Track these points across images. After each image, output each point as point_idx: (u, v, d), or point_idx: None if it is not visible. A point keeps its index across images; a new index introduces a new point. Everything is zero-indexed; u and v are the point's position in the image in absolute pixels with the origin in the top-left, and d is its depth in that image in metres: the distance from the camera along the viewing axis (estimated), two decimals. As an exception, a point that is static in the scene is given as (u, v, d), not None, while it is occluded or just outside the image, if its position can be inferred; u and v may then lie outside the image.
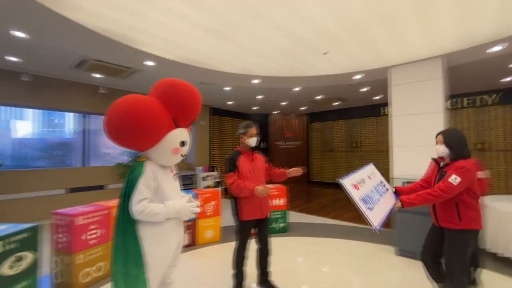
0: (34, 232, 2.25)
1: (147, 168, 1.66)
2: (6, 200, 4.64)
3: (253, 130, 2.49)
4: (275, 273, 2.75)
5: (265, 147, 10.48)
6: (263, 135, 10.42)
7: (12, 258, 2.04)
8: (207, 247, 3.85)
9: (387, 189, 2.26)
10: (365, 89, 6.29)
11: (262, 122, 10.38)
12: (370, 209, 1.89)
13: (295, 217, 5.33)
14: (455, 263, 1.92)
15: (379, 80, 5.09)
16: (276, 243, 3.86)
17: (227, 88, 5.99)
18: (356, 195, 1.91)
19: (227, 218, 4.11)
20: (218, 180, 7.85)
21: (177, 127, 1.74)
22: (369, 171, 2.30)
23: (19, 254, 2.10)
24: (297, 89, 6.04)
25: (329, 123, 10.17)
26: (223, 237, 4.11)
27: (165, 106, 1.68)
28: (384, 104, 8.08)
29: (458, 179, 1.83)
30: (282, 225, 4.51)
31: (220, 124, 8.97)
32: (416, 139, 3.96)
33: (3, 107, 5.44)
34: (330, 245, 3.90)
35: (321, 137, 10.51)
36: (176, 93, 1.73)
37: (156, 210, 1.63)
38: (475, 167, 1.93)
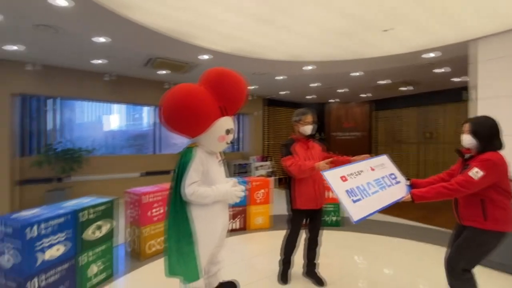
0: (111, 205, 2.67)
1: (196, 154, 1.78)
2: (97, 180, 5.66)
3: (309, 117, 2.39)
4: (323, 266, 2.65)
5: (322, 138, 10.05)
6: (319, 125, 9.99)
7: (93, 226, 2.47)
8: (257, 233, 3.96)
9: (397, 182, 2.07)
10: (441, 70, 5.36)
11: (318, 111, 9.94)
12: (355, 201, 1.82)
13: None
14: (463, 260, 1.73)
15: (459, 58, 4.26)
16: (327, 236, 3.67)
17: (280, 78, 5.91)
18: (340, 187, 1.85)
19: (278, 207, 4.16)
20: (271, 169, 7.93)
21: (223, 115, 1.82)
22: (376, 162, 2.14)
23: (99, 222, 2.53)
24: (356, 73, 5.55)
25: (397, 111, 9.07)
26: (273, 225, 4.15)
27: (213, 95, 1.76)
28: (466, 87, 6.77)
29: (481, 173, 1.61)
30: (335, 218, 4.30)
31: (274, 115, 8.96)
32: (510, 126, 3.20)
33: (96, 104, 6.56)
34: (387, 244, 3.55)
35: (387, 127, 9.47)
36: (223, 82, 1.80)
37: (205, 193, 1.74)
38: (506, 161, 1.69)
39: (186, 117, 1.70)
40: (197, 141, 1.85)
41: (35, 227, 1.97)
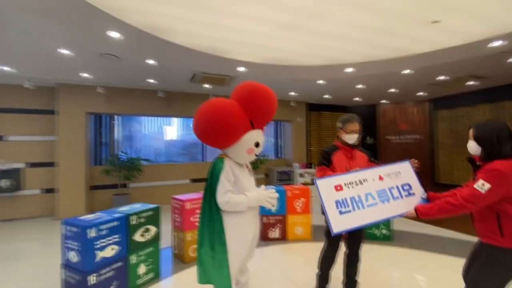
0: (156, 211, 2.95)
1: (226, 164, 1.85)
2: (153, 186, 6.30)
3: (353, 125, 2.20)
4: (366, 283, 2.46)
5: (372, 143, 9.36)
6: (370, 128, 9.34)
7: (142, 229, 2.76)
8: (296, 244, 3.87)
9: (410, 194, 1.86)
10: (516, 59, 4.53)
11: (368, 114, 9.30)
12: (342, 212, 1.75)
13: (402, 224, 4.52)
14: (484, 284, 1.51)
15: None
16: (374, 251, 3.42)
17: (321, 82, 5.74)
18: (330, 197, 1.79)
19: (321, 217, 3.98)
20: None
21: (253, 128, 1.86)
22: (391, 170, 1.94)
23: (147, 226, 2.82)
24: (406, 71, 5.07)
25: (463, 110, 7.91)
26: (315, 236, 4.01)
27: (243, 109, 1.81)
28: (560, 75, 5.52)
29: (487, 186, 1.43)
30: (384, 232, 3.94)
31: (318, 120, 8.71)
32: None
33: (155, 118, 7.35)
34: (442, 263, 3.10)
35: (451, 128, 8.32)
36: (253, 96, 1.83)
37: (239, 200, 1.79)
38: None
39: (214, 130, 1.77)
40: (226, 152, 1.92)
41: (94, 229, 2.30)
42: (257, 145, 1.88)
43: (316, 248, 3.41)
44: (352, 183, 1.86)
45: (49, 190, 5.47)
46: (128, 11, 2.84)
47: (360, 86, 6.26)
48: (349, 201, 1.80)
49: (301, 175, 7.59)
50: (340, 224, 1.74)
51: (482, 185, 1.44)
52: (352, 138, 2.19)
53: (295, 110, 7.82)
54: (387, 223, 3.91)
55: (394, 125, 9.37)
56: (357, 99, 7.98)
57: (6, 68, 4.37)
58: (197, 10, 2.95)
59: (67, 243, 2.35)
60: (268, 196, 1.86)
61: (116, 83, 5.51)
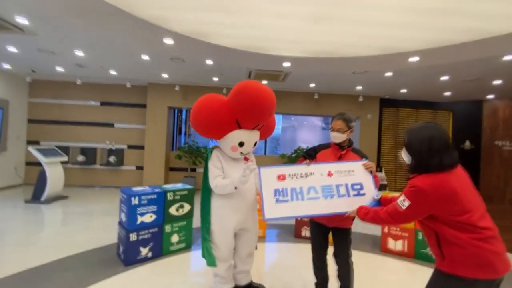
0: (191, 191, 3.43)
1: (214, 154, 2.07)
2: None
3: (334, 123, 2.02)
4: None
5: (470, 148, 7.52)
6: (471, 130, 7.53)
7: (177, 205, 3.28)
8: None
9: (359, 194, 1.79)
10: None
11: (469, 112, 7.54)
12: (279, 201, 1.80)
13: None
14: None
15: None
16: (419, 273, 2.93)
17: (388, 74, 5.07)
18: (270, 185, 1.83)
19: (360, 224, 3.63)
20: (385, 182, 6.81)
21: (240, 128, 1.92)
22: (344, 167, 1.86)
23: (181, 203, 3.32)
24: (509, 57, 3.89)
25: None
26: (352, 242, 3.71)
27: (231, 107, 1.87)
28: None
29: (407, 203, 1.26)
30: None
31: (393, 118, 7.63)
32: None
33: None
34: None
35: None
36: (241, 96, 1.84)
37: (226, 182, 1.95)
38: (448, 184, 1.20)
39: (198, 123, 1.97)
40: (219, 143, 2.09)
41: (137, 198, 2.92)
42: (241, 144, 1.93)
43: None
44: (297, 175, 1.85)
45: (139, 168, 6.96)
46: (178, 20, 3.36)
47: (444, 77, 5.17)
48: (288, 191, 1.82)
49: (366, 178, 6.89)
50: (273, 211, 1.78)
51: (403, 201, 1.28)
52: (333, 136, 2.00)
53: (364, 105, 7.12)
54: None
55: (507, 127, 7.24)
56: (448, 93, 6.57)
57: (113, 72, 5.82)
58: (235, 14, 3.20)
59: (121, 206, 3.07)
60: (241, 175, 1.85)
61: (188, 81, 6.43)
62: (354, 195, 1.80)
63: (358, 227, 4.43)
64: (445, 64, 4.19)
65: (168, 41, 3.67)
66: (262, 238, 3.94)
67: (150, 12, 3.12)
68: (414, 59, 3.91)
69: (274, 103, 1.93)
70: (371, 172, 1.87)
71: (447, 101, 7.50)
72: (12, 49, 4.50)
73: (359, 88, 6.38)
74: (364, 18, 3.10)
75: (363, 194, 1.80)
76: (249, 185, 2.07)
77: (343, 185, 1.82)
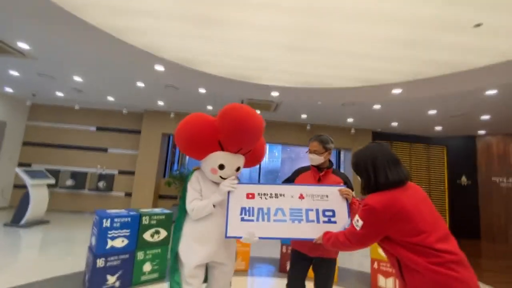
0: (168, 216, 3.29)
1: (193, 176, 1.94)
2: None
3: (311, 145, 2.00)
4: None
5: (467, 184, 7.37)
6: (466, 166, 7.45)
7: (152, 230, 3.13)
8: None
9: (330, 221, 1.68)
10: None
11: (463, 148, 7.52)
12: (244, 220, 1.71)
13: None
14: None
15: None
16: None
17: (377, 107, 5.18)
18: (237, 203, 1.76)
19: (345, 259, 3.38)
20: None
21: (222, 150, 1.84)
22: (318, 191, 1.77)
23: (157, 228, 3.17)
24: (492, 92, 3.99)
25: None
26: (342, 279, 3.45)
27: (216, 128, 1.82)
28: None
29: (360, 223, 1.21)
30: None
31: (389, 151, 7.62)
32: None
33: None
34: None
35: None
36: (226, 117, 1.79)
37: (204, 203, 1.81)
38: (398, 200, 1.15)
39: (181, 139, 1.90)
40: (201, 165, 1.97)
41: (108, 220, 2.80)
42: (221, 167, 1.83)
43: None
44: (267, 194, 1.77)
45: (128, 194, 6.82)
46: (168, 47, 3.55)
47: (432, 111, 5.26)
48: (255, 210, 1.73)
49: (360, 212, 6.64)
50: (236, 230, 1.69)
51: (357, 221, 1.24)
52: (310, 158, 1.97)
53: (357, 138, 7.16)
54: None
55: (504, 163, 7.16)
56: (439, 128, 6.63)
57: (111, 98, 6.00)
58: (222, 43, 3.39)
59: (93, 229, 2.94)
60: (223, 185, 1.79)
61: (183, 109, 6.59)
62: (324, 222, 1.69)
63: (346, 262, 4.17)
64: (428, 97, 4.29)
65: (159, 67, 3.84)
66: (244, 272, 3.70)
67: (140, 39, 3.31)
68: (397, 91, 4.02)
69: (260, 128, 1.86)
70: (347, 199, 1.77)
71: (441, 136, 7.55)
72: (13, 72, 4.72)
73: (350, 120, 6.48)
74: (347, 50, 3.26)
75: (334, 222, 1.68)
76: (223, 214, 1.92)
77: (314, 210, 1.72)
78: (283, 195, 1.77)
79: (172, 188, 6.58)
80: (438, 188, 7.65)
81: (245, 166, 2.03)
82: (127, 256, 2.90)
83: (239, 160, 1.90)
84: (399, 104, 4.86)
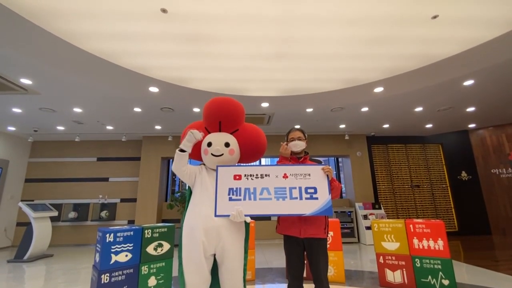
0: (171, 229, 3.33)
1: (199, 166, 2.12)
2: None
3: (293, 133, 2.26)
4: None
5: (467, 179, 7.39)
6: (464, 161, 7.52)
7: (155, 243, 3.15)
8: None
9: (312, 197, 1.84)
10: None
11: (458, 143, 7.64)
12: (232, 199, 1.83)
13: (472, 274, 3.25)
14: None
15: None
16: None
17: (365, 109, 5.38)
18: (225, 184, 1.86)
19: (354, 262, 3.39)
20: (384, 218, 6.48)
21: (209, 132, 2.12)
22: (300, 170, 1.91)
23: (160, 241, 3.20)
24: (468, 83, 4.21)
25: None
26: (350, 280, 3.41)
27: (203, 122, 2.19)
28: None
29: None
30: (446, 282, 2.99)
31: (386, 154, 7.72)
32: None
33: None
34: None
35: None
36: (205, 106, 2.17)
37: (176, 157, 1.95)
38: None
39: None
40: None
41: (112, 234, 2.85)
42: (209, 144, 2.02)
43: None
44: (253, 175, 1.90)
45: (131, 222, 6.79)
46: (159, 67, 3.81)
47: (419, 108, 5.46)
48: (242, 190, 1.86)
49: (365, 217, 6.60)
50: (225, 209, 1.80)
51: None
52: (294, 144, 2.18)
53: (352, 144, 7.30)
54: (449, 269, 2.98)
55: (501, 155, 7.24)
56: (429, 126, 6.80)
57: (110, 127, 6.23)
58: (208, 57, 3.66)
59: (96, 247, 2.97)
60: (187, 136, 1.91)
61: (180, 131, 6.76)
62: (306, 199, 1.84)
63: (352, 264, 4.12)
64: (409, 93, 4.50)
65: (153, 89, 4.08)
66: (251, 281, 3.65)
67: (133, 61, 3.58)
68: (379, 89, 4.24)
69: (234, 105, 2.11)
70: (328, 176, 1.91)
71: (434, 134, 7.69)
72: (16, 109, 4.97)
73: (342, 126, 6.66)
74: (323, 53, 3.52)
75: (316, 198, 1.84)
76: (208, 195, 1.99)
77: (297, 188, 1.87)
78: (268, 175, 1.91)
79: (174, 211, 6.58)
80: (440, 186, 7.64)
81: (249, 155, 2.17)
82: (131, 270, 2.91)
83: (226, 136, 2.07)
84: (384, 104, 5.06)
